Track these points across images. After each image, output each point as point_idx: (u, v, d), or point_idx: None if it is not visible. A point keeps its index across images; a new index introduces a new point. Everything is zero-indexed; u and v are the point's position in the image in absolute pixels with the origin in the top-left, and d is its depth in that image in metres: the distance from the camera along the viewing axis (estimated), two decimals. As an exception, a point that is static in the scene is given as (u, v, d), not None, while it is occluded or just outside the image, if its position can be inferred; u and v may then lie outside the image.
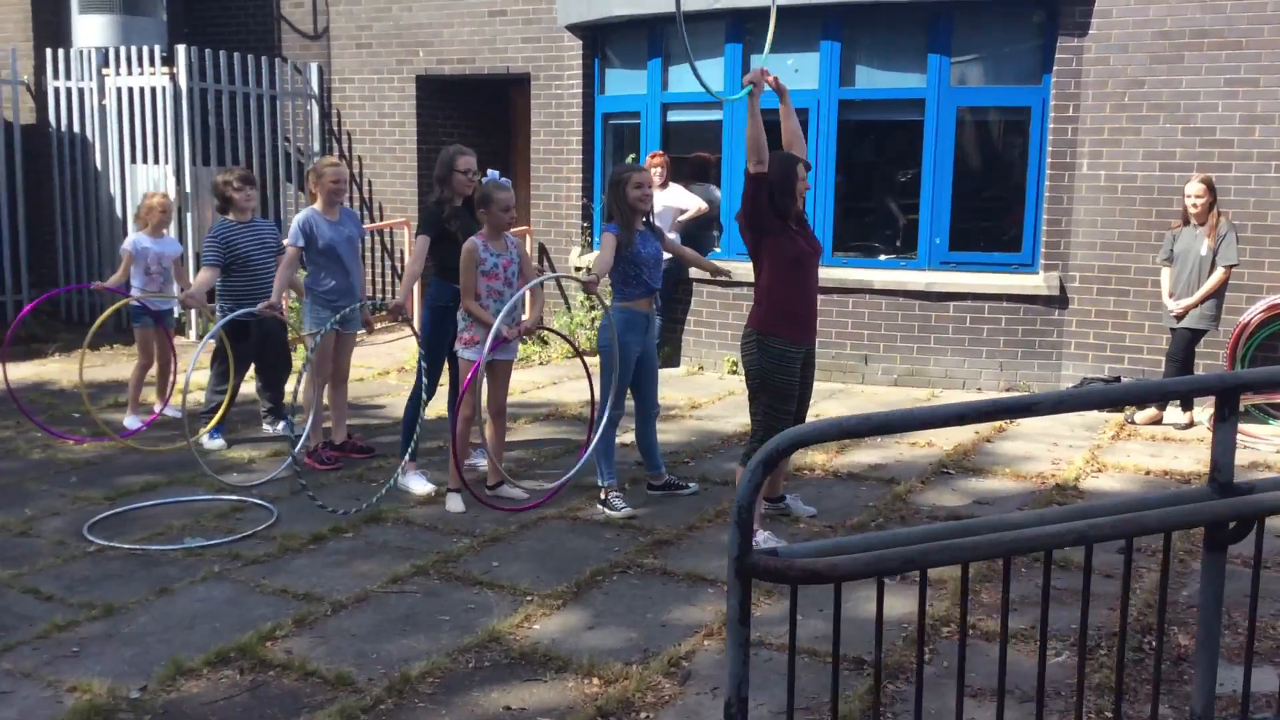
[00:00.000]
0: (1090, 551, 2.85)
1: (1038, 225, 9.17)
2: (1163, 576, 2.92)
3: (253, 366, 7.56)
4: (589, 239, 11.10)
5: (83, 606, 4.65)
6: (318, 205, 6.80)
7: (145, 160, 11.41)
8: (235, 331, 7.13)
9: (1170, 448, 7.44)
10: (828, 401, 8.85)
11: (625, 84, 10.72)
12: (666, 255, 9.37)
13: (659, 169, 9.90)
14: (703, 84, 5.74)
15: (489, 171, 6.09)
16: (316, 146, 12.52)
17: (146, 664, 4.15)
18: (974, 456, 7.23)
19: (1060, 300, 9.08)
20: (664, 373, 9.88)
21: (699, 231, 10.34)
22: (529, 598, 4.81)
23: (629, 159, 10.49)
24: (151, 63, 11.26)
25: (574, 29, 10.86)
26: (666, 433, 7.68)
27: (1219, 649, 3.03)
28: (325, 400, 7.00)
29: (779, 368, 5.41)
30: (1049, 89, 8.96)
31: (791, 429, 2.70)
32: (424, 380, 6.37)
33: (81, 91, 11.71)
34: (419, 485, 6.37)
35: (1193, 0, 8.45)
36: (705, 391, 9.20)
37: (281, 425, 7.60)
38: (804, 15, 9.48)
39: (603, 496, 6.06)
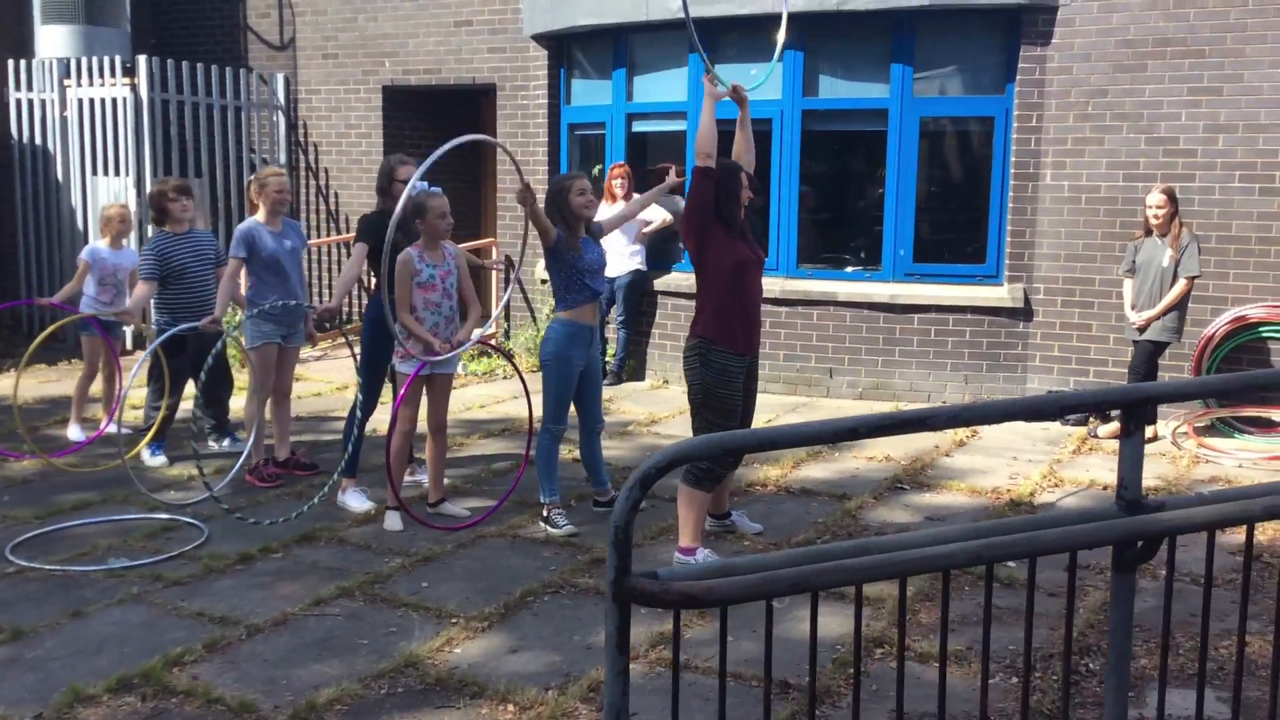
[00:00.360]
0: (1033, 568, 2.73)
1: (1002, 236, 9.06)
2: (1069, 597, 2.79)
3: (192, 383, 7.41)
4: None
5: (-9, 630, 4.50)
6: (260, 216, 6.68)
7: (106, 172, 11.27)
8: (171, 347, 6.97)
9: (1131, 462, 7.33)
10: (790, 415, 8.74)
11: (591, 94, 10.62)
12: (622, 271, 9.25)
13: (621, 180, 9.79)
14: (714, 76, 5.62)
15: (416, 183, 5.97)
16: (283, 158, 12.39)
17: (46, 691, 4.00)
18: (930, 471, 7.10)
19: (1025, 312, 8.97)
20: (628, 387, 9.82)
21: (664, 244, 10.22)
22: (454, 620, 4.67)
23: (594, 170, 10.40)
24: (112, 73, 11.14)
25: (539, 39, 10.76)
26: (618, 449, 7.57)
27: (1129, 672, 2.90)
28: (269, 415, 6.86)
29: (721, 381, 5.28)
30: (1012, 98, 8.86)
31: (672, 446, 2.56)
32: (362, 395, 6.25)
33: (43, 102, 11.58)
34: (357, 503, 6.23)
35: (1155, 9, 8.36)
36: (667, 406, 9.07)
37: (227, 442, 7.46)
38: (766, 24, 9.37)
39: (545, 514, 5.92)
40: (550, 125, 10.86)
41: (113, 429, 7.62)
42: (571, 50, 10.76)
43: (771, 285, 9.41)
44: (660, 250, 10.23)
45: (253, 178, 6.80)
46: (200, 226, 7.53)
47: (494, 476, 6.95)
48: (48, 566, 5.21)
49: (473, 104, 11.82)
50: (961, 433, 8.14)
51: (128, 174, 11.10)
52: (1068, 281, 8.84)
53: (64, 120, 11.47)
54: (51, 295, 9.60)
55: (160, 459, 7.10)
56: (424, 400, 6.05)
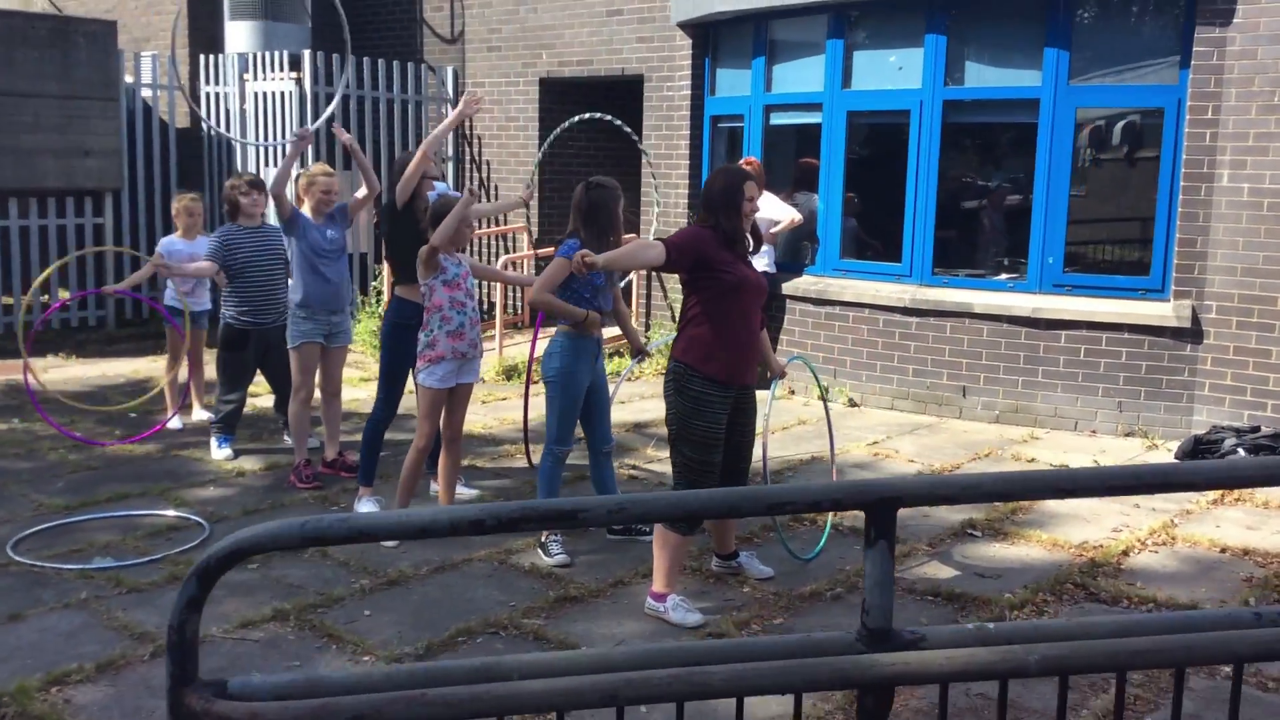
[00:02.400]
0: (681, 714, 2.11)
1: (1169, 246, 7.86)
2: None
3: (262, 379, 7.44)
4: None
5: (-70, 626, 4.55)
6: (305, 209, 6.58)
7: (275, 164, 11.66)
8: (232, 341, 7.00)
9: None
10: (906, 437, 7.92)
11: (733, 85, 10.05)
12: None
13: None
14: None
15: (435, 184, 5.67)
16: (450, 151, 12.48)
17: (-77, 699, 3.96)
18: (1020, 513, 6.19)
19: (1193, 333, 7.74)
20: (759, 395, 9.20)
21: (798, 244, 9.55)
22: (366, 658, 4.35)
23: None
24: (283, 68, 11.51)
25: (684, 27, 10.28)
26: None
27: None
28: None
29: (696, 411, 4.70)
30: (1185, 87, 7.64)
31: (246, 534, 2.10)
32: (381, 402, 6.05)
33: (226, 96, 12.12)
34: (369, 511, 6.02)
35: (1361, -23, 6.98)
36: (775, 419, 8.41)
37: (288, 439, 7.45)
38: (907, 7, 8.54)
39: (541, 539, 5.51)
40: (693, 117, 10.36)
41: (176, 423, 7.81)
42: (715, 38, 10.21)
43: (901, 293, 8.60)
44: (797, 251, 9.56)
45: (302, 172, 6.71)
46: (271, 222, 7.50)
47: (527, 489, 6.57)
48: (28, 561, 5.27)
49: (624, 95, 11.46)
50: (1102, 462, 7.13)
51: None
52: (1245, 299, 7.56)
53: (243, 113, 11.96)
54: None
55: (226, 451, 7.16)
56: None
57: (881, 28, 8.85)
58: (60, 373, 9.76)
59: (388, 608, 4.85)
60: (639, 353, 5.94)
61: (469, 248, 6.88)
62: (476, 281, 5.83)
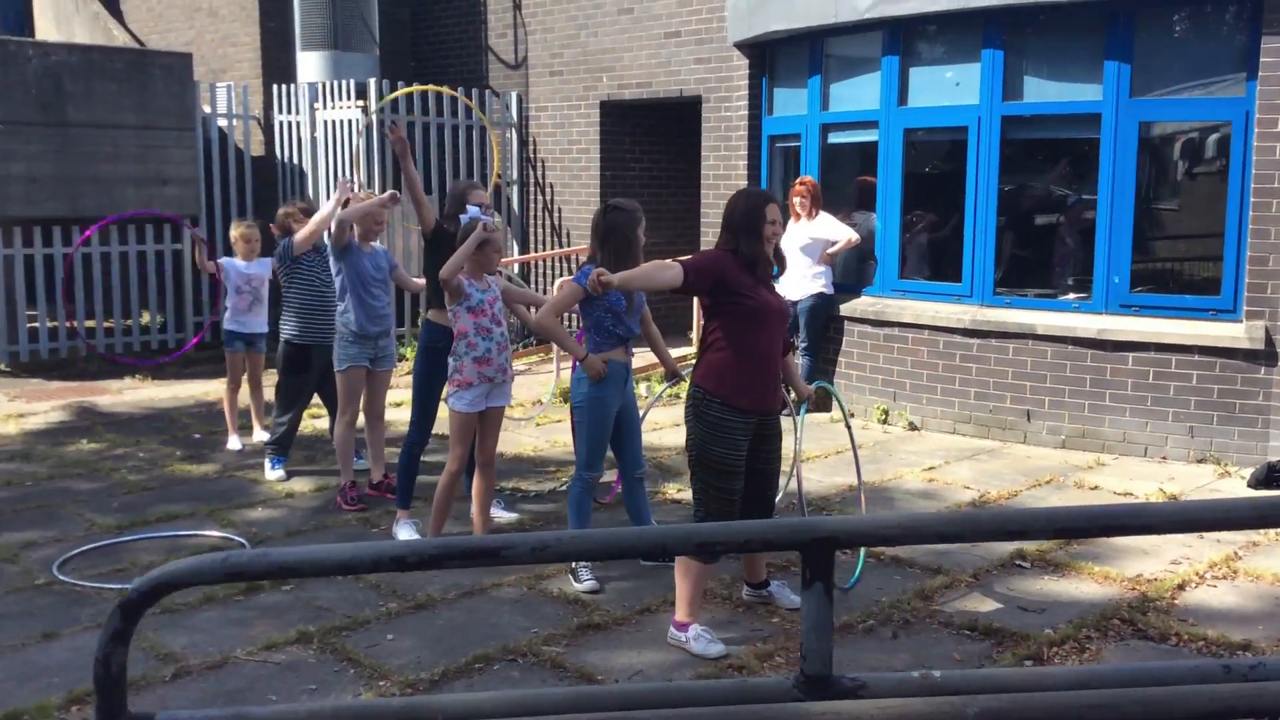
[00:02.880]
0: None
1: (1240, 264, 7.55)
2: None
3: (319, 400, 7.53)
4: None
5: (-37, 646, 4.65)
6: (355, 236, 6.65)
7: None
8: (292, 364, 7.10)
9: (1354, 553, 5.84)
10: (965, 463, 7.71)
11: (790, 104, 9.95)
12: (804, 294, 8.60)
13: (800, 198, 9.08)
14: None
15: (469, 208, 5.69)
16: (515, 174, 12.57)
17: (-51, 717, 4.05)
18: (1073, 545, 5.96)
19: (1266, 355, 7.42)
20: (809, 418, 9.05)
21: (858, 264, 9.39)
22: (382, 683, 4.34)
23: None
24: (350, 96, 11.71)
25: (741, 47, 10.22)
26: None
27: None
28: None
29: (715, 438, 4.61)
30: (1253, 99, 7.35)
31: (168, 569, 2.10)
32: (414, 425, 6.08)
33: (298, 124, 12.37)
34: (405, 535, 6.04)
35: None
36: (830, 442, 8.27)
37: (356, 460, 7.51)
38: (963, 22, 8.37)
39: (571, 565, 5.46)
40: (751, 137, 10.29)
41: (235, 444, 7.94)
42: (772, 58, 10.13)
43: (962, 314, 8.40)
44: (855, 271, 9.40)
45: (352, 196, 6.78)
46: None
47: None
48: (71, 581, 5.38)
49: (684, 117, 11.44)
50: (1168, 489, 6.89)
51: (357, 191, 11.61)
52: (1321, 319, 7.24)
53: (313, 141, 12.20)
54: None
55: (278, 473, 7.26)
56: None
57: (937, 43, 8.69)
58: (135, 394, 10.02)
59: (411, 632, 4.84)
60: (672, 375, 5.88)
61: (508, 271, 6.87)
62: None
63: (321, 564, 2.09)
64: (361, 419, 6.84)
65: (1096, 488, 7.10)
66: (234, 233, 7.98)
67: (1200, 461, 7.61)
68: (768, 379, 4.72)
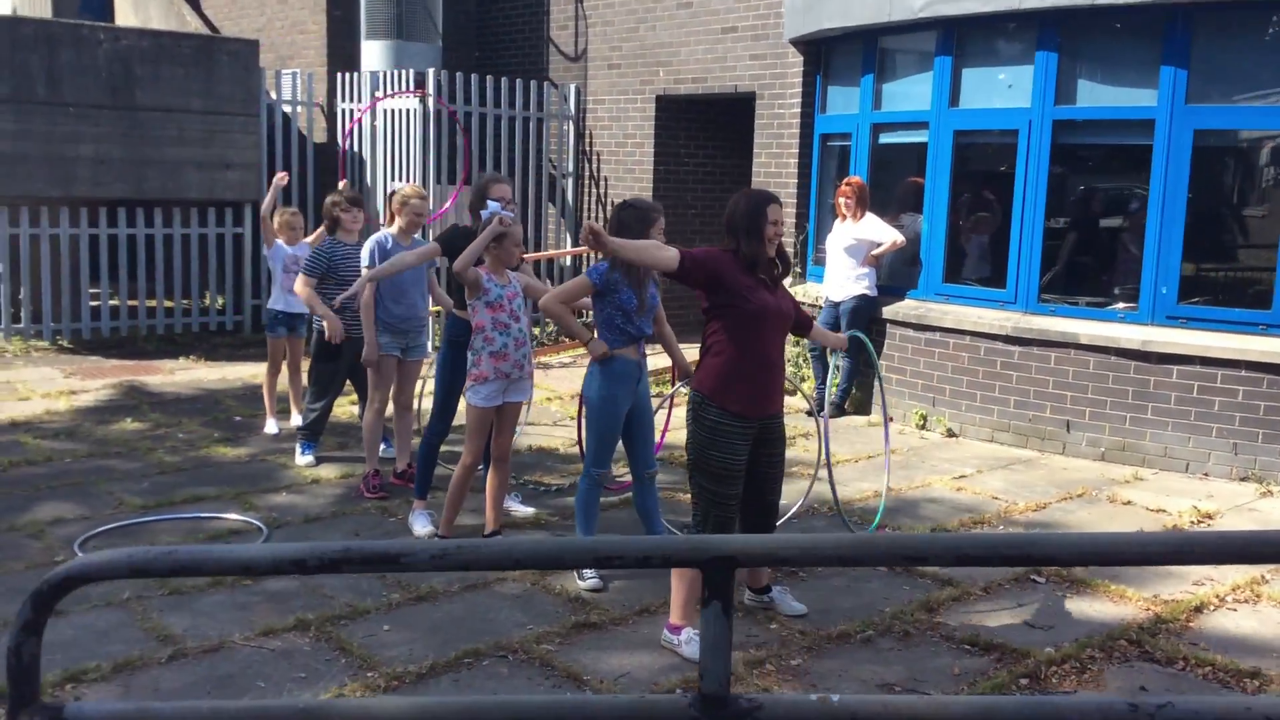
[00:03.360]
0: None
1: (1293, 277, 7.31)
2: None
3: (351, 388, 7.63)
4: (803, 267, 10.30)
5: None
6: (394, 229, 6.71)
7: (400, 179, 11.99)
8: (324, 352, 7.20)
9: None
10: (998, 473, 7.58)
11: (843, 103, 9.83)
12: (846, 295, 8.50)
13: (846, 199, 8.97)
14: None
15: (489, 203, 5.70)
16: (570, 167, 12.61)
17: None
18: (1094, 564, 5.81)
19: (1317, 373, 7.18)
20: (843, 421, 8.98)
21: (904, 267, 9.25)
22: (370, 674, 4.39)
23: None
24: (409, 86, 11.83)
25: (796, 44, 10.13)
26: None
27: None
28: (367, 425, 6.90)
29: (713, 442, 4.58)
30: (1313, 107, 7.10)
31: (78, 563, 2.14)
32: (435, 416, 6.14)
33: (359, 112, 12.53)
34: (420, 526, 6.10)
35: None
36: (864, 447, 8.18)
37: (383, 447, 7.61)
38: (1017, 22, 8.20)
39: (577, 563, 5.45)
40: (803, 135, 10.20)
41: (272, 428, 8.08)
42: (827, 56, 10.02)
43: (1004, 320, 8.25)
44: (899, 274, 9.27)
45: (394, 190, 6.83)
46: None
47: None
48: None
49: (738, 113, 11.36)
50: (1203, 507, 6.72)
51: (413, 180, 11.75)
52: (1376, 338, 6.97)
53: (374, 130, 12.35)
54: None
55: (308, 458, 7.37)
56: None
57: (990, 44, 8.51)
58: (186, 374, 10.25)
59: (409, 624, 4.89)
60: (685, 376, 5.85)
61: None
62: (527, 301, 5.85)
63: (223, 563, 2.11)
64: (391, 408, 6.93)
65: (1130, 503, 6.93)
66: (278, 220, 8.11)
67: (1243, 480, 7.39)
68: (769, 382, 4.68)
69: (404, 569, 2.03)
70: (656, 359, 9.96)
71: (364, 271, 6.69)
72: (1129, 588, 5.46)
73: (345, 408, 8.46)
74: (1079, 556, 1.95)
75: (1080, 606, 5.28)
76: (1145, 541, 1.94)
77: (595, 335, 5.43)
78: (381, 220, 8.12)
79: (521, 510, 6.43)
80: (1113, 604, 5.31)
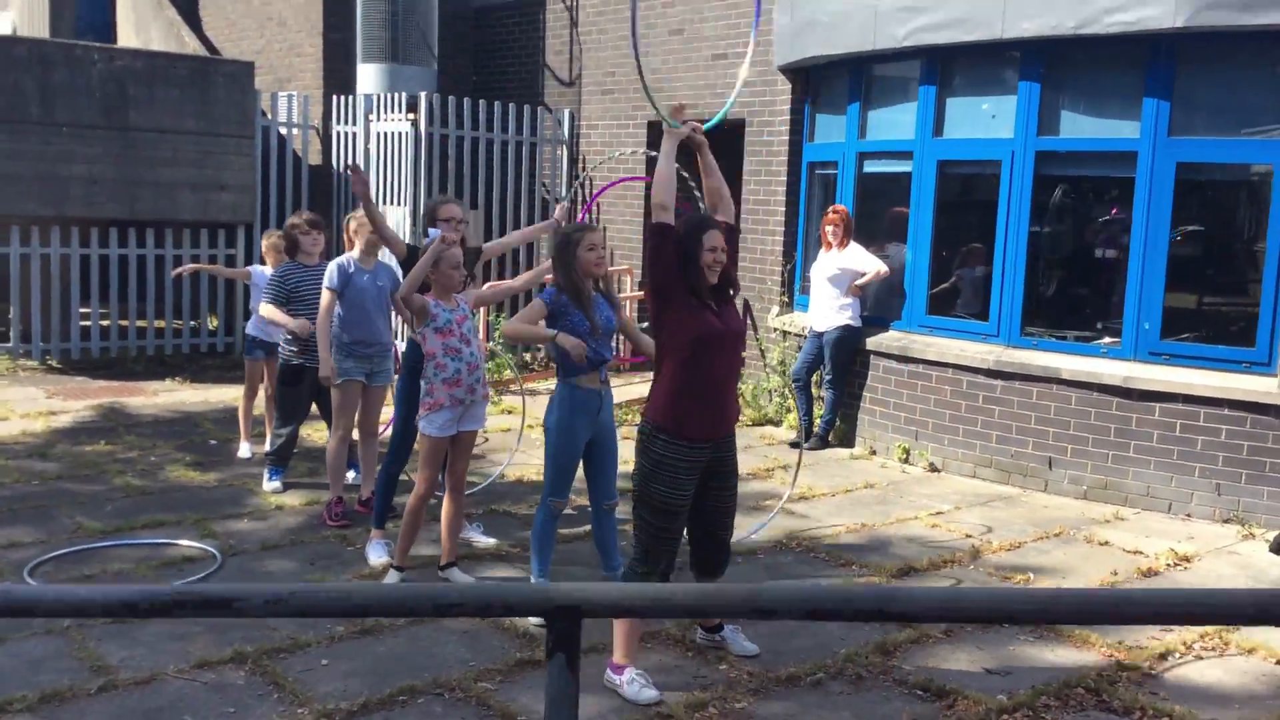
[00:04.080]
0: None
1: (1277, 314, 7.17)
2: None
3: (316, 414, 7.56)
4: (789, 299, 10.22)
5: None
6: (354, 253, 6.66)
7: (392, 201, 11.97)
8: (288, 376, 7.14)
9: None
10: (977, 509, 7.45)
11: (830, 131, 9.76)
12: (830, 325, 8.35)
13: (833, 226, 8.89)
14: (653, 104, 5.13)
15: (429, 230, 5.66)
16: (563, 190, 12.57)
17: (-127, 717, 4.11)
18: (1061, 606, 5.67)
19: (1302, 412, 7.03)
20: (827, 454, 8.88)
21: (889, 298, 9.15)
22: (300, 710, 4.30)
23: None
24: (402, 109, 11.82)
25: (785, 71, 10.07)
26: (738, 527, 6.70)
27: None
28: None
29: (656, 474, 4.49)
30: (1297, 142, 6.99)
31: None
32: (394, 444, 6.06)
33: (353, 135, 12.54)
34: (375, 556, 6.02)
35: None
36: (843, 480, 8.06)
37: (352, 474, 7.53)
38: (1001, 52, 8.12)
39: (529, 597, 5.36)
40: (790, 163, 10.13)
41: (245, 452, 8.02)
42: (815, 84, 9.96)
43: (987, 353, 8.14)
44: (884, 305, 9.16)
45: (350, 216, 6.80)
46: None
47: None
48: (35, 584, 5.45)
49: (728, 140, 11.29)
50: (1181, 549, 6.58)
51: (404, 204, 11.73)
52: (1360, 378, 6.83)
53: (367, 152, 12.35)
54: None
55: (275, 484, 7.30)
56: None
57: (974, 73, 8.44)
58: (169, 396, 10.21)
59: (348, 657, 4.80)
60: (647, 355, 5.78)
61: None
62: (479, 327, 5.78)
63: (58, 605, 2.05)
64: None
65: (1107, 543, 6.79)
66: (265, 242, 8.09)
67: (1225, 521, 7.24)
68: (720, 404, 4.58)
69: (237, 614, 1.95)
70: (626, 389, 9.90)
71: (324, 294, 6.63)
72: (1093, 633, 5.33)
73: (323, 433, 8.39)
74: (937, 613, 1.85)
75: (1042, 652, 5.15)
76: (1006, 597, 1.85)
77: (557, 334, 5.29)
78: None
79: (483, 541, 6.34)
80: (1075, 649, 5.18)
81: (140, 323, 12.11)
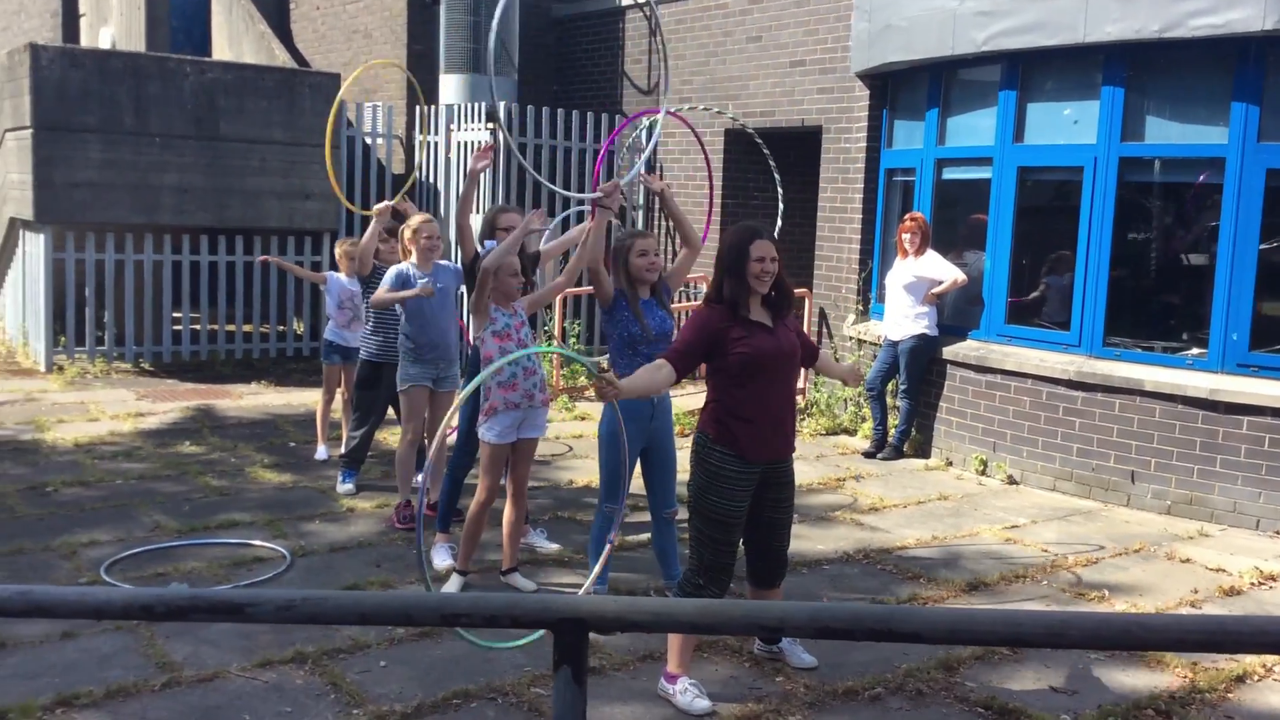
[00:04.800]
0: None
1: (1374, 325, 6.88)
2: None
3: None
4: (864, 307, 10.09)
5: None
6: (412, 259, 6.73)
7: (477, 210, 12.09)
8: (365, 380, 7.26)
9: None
10: (1053, 524, 7.27)
11: (908, 137, 9.63)
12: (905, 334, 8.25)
13: (910, 234, 8.76)
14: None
15: (485, 242, 5.70)
16: (640, 199, 12.59)
17: (-52, 707, 4.25)
18: (1136, 625, 5.50)
19: (1399, 428, 6.73)
20: (901, 464, 8.74)
21: (967, 306, 8.98)
22: (355, 710, 4.35)
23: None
24: (480, 119, 11.95)
25: (863, 77, 9.96)
26: (804, 537, 6.64)
27: None
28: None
29: (712, 486, 4.45)
30: (1396, 145, 6.70)
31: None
32: (459, 448, 6.13)
33: (436, 145, 12.71)
34: (440, 559, 6.08)
35: None
36: (916, 491, 7.93)
37: (420, 475, 7.62)
38: (1083, 56, 7.94)
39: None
40: (868, 169, 10.01)
41: (322, 454, 8.15)
42: (893, 90, 9.83)
43: (1067, 364, 7.94)
44: (961, 313, 9.00)
45: (404, 225, 6.86)
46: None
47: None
48: (113, 582, 5.60)
49: (806, 146, 11.21)
50: (1266, 568, 6.35)
51: (483, 213, 11.84)
52: None
53: (448, 161, 12.51)
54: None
55: (348, 486, 7.41)
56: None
57: (1056, 79, 8.25)
58: (254, 399, 10.45)
59: (406, 660, 4.84)
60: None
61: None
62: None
63: (78, 606, 2.08)
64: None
65: (1189, 560, 6.57)
66: (338, 250, 8.24)
67: (1318, 541, 6.96)
68: (776, 426, 4.52)
69: (248, 619, 1.98)
70: (689, 400, 9.86)
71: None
72: (1169, 652, 5.15)
73: (399, 436, 8.50)
74: (946, 634, 1.79)
75: (1112, 671, 4.99)
76: (1019, 620, 1.79)
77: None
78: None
79: (546, 546, 6.36)
80: (1148, 670, 5.02)
81: (229, 327, 12.42)
